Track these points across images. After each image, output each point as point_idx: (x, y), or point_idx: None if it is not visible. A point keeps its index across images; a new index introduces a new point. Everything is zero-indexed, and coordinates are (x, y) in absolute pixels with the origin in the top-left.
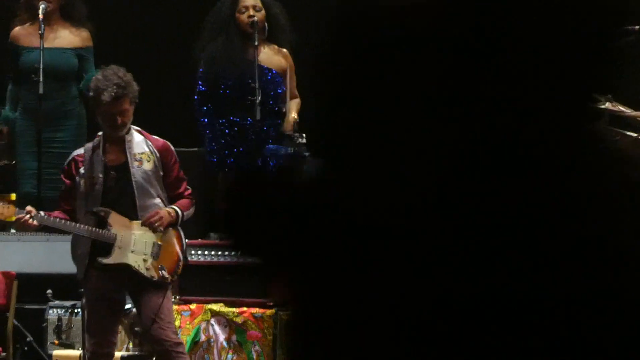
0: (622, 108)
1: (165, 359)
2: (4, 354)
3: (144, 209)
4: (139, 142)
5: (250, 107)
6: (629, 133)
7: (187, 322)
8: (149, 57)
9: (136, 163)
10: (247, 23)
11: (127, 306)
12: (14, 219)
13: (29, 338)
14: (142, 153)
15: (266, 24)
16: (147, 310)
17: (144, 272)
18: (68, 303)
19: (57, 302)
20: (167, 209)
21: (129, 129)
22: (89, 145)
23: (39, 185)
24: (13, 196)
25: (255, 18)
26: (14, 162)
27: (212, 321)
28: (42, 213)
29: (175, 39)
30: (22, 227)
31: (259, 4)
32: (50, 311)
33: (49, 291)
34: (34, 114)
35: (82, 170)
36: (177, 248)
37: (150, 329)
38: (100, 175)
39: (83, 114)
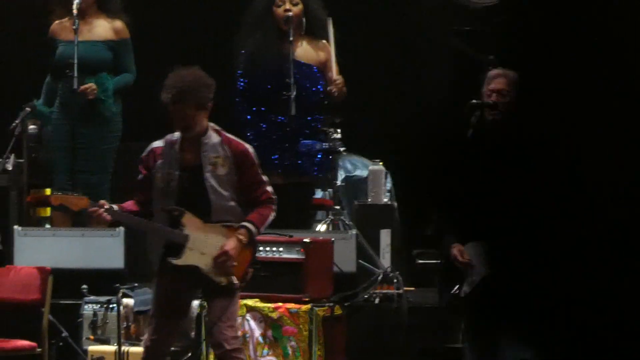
0: None
1: None
2: (40, 349)
3: (218, 211)
4: (215, 145)
5: (286, 103)
6: None
7: None
8: (185, 53)
9: (210, 167)
10: (282, 18)
11: None
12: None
13: (65, 333)
14: (217, 157)
15: (304, 18)
16: (211, 313)
17: (212, 277)
18: (103, 298)
19: (92, 298)
20: (237, 233)
21: (206, 130)
22: (168, 138)
23: (73, 181)
24: (48, 191)
25: (291, 13)
26: (41, 156)
27: (248, 316)
28: (115, 207)
29: (210, 33)
30: (93, 220)
31: None
32: (86, 307)
33: (84, 286)
34: (68, 108)
35: (158, 164)
36: (249, 254)
37: (212, 331)
38: (177, 173)
39: (118, 108)
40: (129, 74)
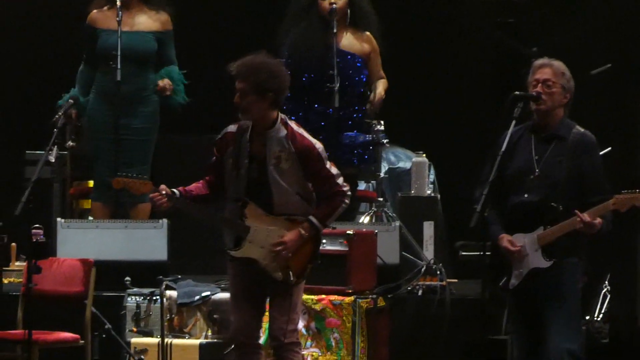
0: None
1: (278, 356)
2: (82, 341)
3: (281, 204)
4: (281, 139)
5: (329, 95)
6: None
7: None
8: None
9: (274, 161)
10: (327, 10)
11: (206, 293)
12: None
13: (107, 326)
14: (282, 151)
15: (348, 10)
16: (271, 306)
17: (270, 271)
18: (146, 290)
19: (135, 290)
20: (300, 227)
21: (274, 123)
22: (242, 124)
23: (115, 172)
24: (90, 183)
25: (335, 5)
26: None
27: None
28: (176, 192)
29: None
30: (154, 205)
31: None
32: (129, 299)
33: (127, 279)
34: (109, 98)
35: (230, 150)
36: (310, 249)
37: (270, 324)
38: (246, 161)
39: (158, 101)
40: (175, 67)
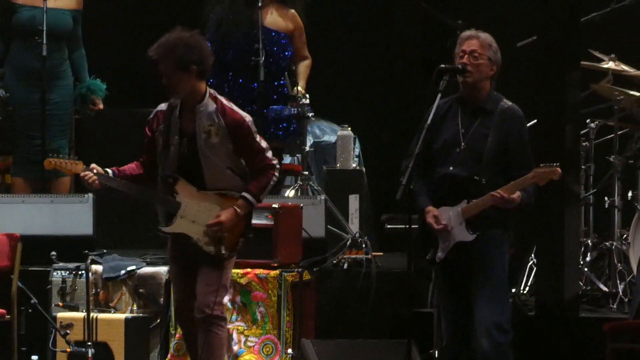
0: (625, 67)
1: (202, 328)
2: (9, 316)
3: (212, 179)
4: (210, 113)
5: (254, 69)
6: (632, 92)
7: None
8: (148, 16)
9: (204, 135)
10: None
11: (131, 268)
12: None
13: (33, 300)
14: (211, 125)
15: None
16: (198, 278)
17: (202, 246)
18: (72, 265)
19: (61, 264)
20: (235, 204)
21: (203, 97)
22: (172, 102)
23: (44, 145)
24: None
25: None
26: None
27: None
28: (109, 171)
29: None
30: (85, 184)
31: None
32: (55, 273)
33: (53, 253)
34: (28, 73)
35: (160, 127)
36: (242, 224)
37: (197, 296)
38: (176, 137)
39: (72, 76)
40: (83, 51)
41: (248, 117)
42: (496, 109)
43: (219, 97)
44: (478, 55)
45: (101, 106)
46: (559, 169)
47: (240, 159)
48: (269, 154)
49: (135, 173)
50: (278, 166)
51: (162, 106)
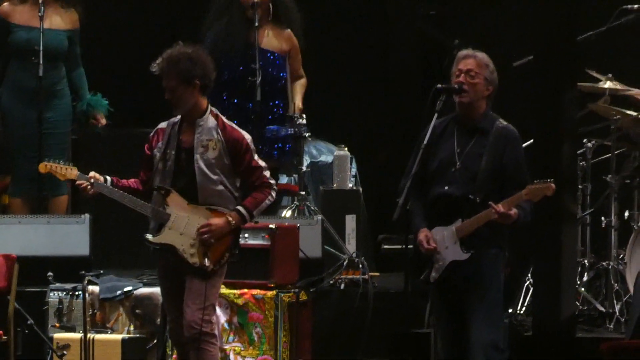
0: (622, 87)
1: (192, 347)
2: (5, 337)
3: (204, 194)
4: (210, 129)
5: (250, 89)
6: (629, 112)
7: None
8: (146, 37)
9: (201, 149)
10: (249, 3)
11: (128, 288)
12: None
13: (30, 321)
14: (210, 140)
15: (271, 5)
16: (186, 295)
17: (187, 257)
18: (69, 286)
19: (58, 285)
20: (228, 215)
21: (204, 113)
22: (171, 120)
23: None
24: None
25: (256, 0)
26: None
27: None
28: (108, 179)
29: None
30: (80, 191)
31: None
32: (51, 294)
33: (50, 274)
34: (25, 93)
35: (159, 144)
36: (229, 239)
37: (184, 314)
38: (173, 152)
39: (70, 95)
40: (81, 68)
41: (247, 136)
42: (492, 129)
43: (220, 115)
44: (474, 74)
45: (104, 121)
46: (552, 185)
47: (235, 179)
48: (267, 173)
49: (134, 187)
50: (276, 187)
51: (163, 124)
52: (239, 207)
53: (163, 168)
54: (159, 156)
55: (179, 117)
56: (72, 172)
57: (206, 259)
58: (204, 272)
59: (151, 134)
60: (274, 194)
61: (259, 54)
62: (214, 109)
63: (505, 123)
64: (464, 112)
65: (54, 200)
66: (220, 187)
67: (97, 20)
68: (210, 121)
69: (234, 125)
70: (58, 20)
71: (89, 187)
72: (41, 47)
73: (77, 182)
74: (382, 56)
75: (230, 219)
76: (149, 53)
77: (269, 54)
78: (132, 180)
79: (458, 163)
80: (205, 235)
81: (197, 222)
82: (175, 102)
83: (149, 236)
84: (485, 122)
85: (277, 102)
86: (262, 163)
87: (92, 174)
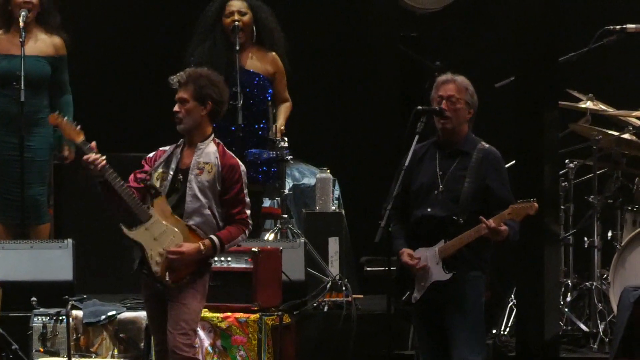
0: (603, 107)
1: None
2: None
3: (191, 214)
4: (209, 153)
5: (232, 112)
6: (610, 132)
7: None
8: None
9: (197, 171)
10: (229, 27)
11: (112, 313)
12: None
13: (14, 346)
14: (207, 163)
15: (254, 28)
16: (168, 322)
17: (152, 264)
18: (53, 310)
19: (42, 310)
20: (201, 243)
21: (207, 138)
22: (173, 145)
23: (22, 192)
24: None
25: (238, 22)
26: None
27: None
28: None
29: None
30: (88, 164)
31: (245, 8)
32: (35, 319)
33: (34, 299)
34: (7, 119)
35: (157, 162)
36: (194, 263)
37: (168, 338)
38: (171, 173)
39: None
40: (68, 94)
41: (243, 167)
42: (474, 151)
43: (222, 144)
44: (455, 100)
45: (68, 155)
46: (535, 204)
47: (220, 209)
48: (248, 211)
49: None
50: (251, 228)
51: (164, 147)
52: (214, 238)
53: (160, 186)
54: (155, 175)
55: (181, 141)
56: (78, 135)
57: (167, 274)
58: (185, 292)
59: (152, 154)
60: (247, 234)
61: (244, 76)
62: (216, 139)
63: (487, 145)
64: (447, 136)
65: (37, 228)
66: (207, 212)
67: (87, 45)
68: (211, 146)
69: (234, 155)
70: (41, 47)
71: (98, 162)
72: (22, 73)
73: (85, 157)
74: (363, 78)
75: (202, 247)
76: (138, 78)
77: (254, 76)
78: (131, 175)
79: (441, 186)
80: (174, 258)
81: (172, 235)
82: (182, 116)
83: (126, 229)
84: (467, 145)
85: (262, 124)
86: (247, 200)
87: (94, 144)
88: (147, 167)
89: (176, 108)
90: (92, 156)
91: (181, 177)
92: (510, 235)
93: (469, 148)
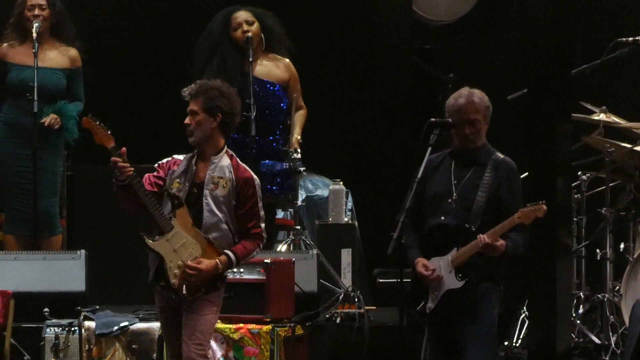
0: (616, 119)
1: None
2: None
3: (209, 229)
4: (223, 167)
5: (246, 123)
6: (623, 144)
7: None
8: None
9: (212, 185)
10: (242, 39)
11: (124, 324)
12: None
13: (27, 357)
14: (221, 178)
15: (262, 36)
16: (183, 332)
17: (170, 275)
18: (65, 321)
19: (54, 321)
20: (218, 260)
21: (220, 151)
22: (187, 155)
23: (35, 203)
24: (2, 217)
25: (250, 33)
26: None
27: None
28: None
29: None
30: (119, 170)
31: (251, 17)
32: (48, 330)
33: (46, 310)
34: (19, 130)
35: (175, 172)
36: (211, 277)
37: (182, 349)
38: (187, 185)
39: (64, 134)
40: (81, 103)
41: (257, 180)
42: (489, 162)
43: (235, 156)
44: (477, 122)
45: (46, 121)
46: (544, 206)
47: (236, 222)
48: (263, 225)
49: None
50: (265, 242)
51: (178, 156)
52: (230, 254)
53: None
54: (171, 185)
55: (194, 152)
56: (110, 140)
57: (184, 287)
58: (202, 309)
59: (164, 160)
60: (261, 247)
61: (257, 85)
62: (229, 150)
63: (502, 156)
64: (464, 148)
65: (49, 240)
66: (224, 227)
67: (97, 55)
68: (225, 160)
69: (247, 168)
70: (56, 58)
71: (130, 169)
72: (35, 84)
73: (114, 159)
74: (376, 90)
75: (219, 264)
76: (149, 89)
77: (268, 85)
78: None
79: (455, 194)
80: (193, 273)
81: (191, 248)
82: (193, 129)
83: (147, 239)
84: (482, 155)
85: (277, 134)
86: (262, 213)
87: (124, 149)
88: (161, 173)
89: (187, 120)
90: (122, 163)
91: (196, 191)
92: (509, 249)
93: (484, 158)
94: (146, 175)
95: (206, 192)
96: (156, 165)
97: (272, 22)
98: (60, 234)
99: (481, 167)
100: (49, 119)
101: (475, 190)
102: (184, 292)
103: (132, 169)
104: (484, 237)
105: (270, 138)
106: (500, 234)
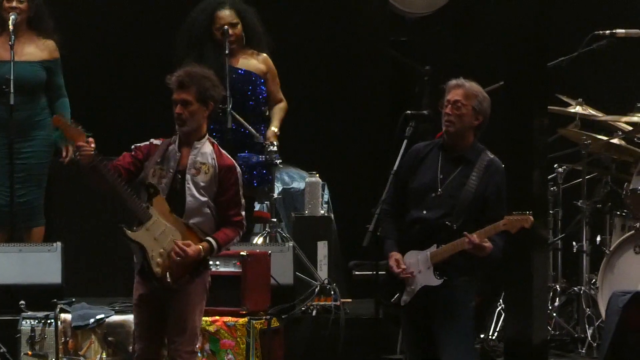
0: (592, 112)
1: None
2: None
3: (191, 213)
4: (206, 153)
5: (222, 115)
6: (600, 136)
7: None
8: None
9: (193, 170)
10: (223, 40)
11: (100, 316)
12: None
13: (2, 349)
14: (204, 164)
15: (243, 33)
16: (170, 326)
17: (152, 264)
18: (41, 314)
19: (30, 313)
20: (201, 246)
21: (202, 137)
22: (166, 140)
23: (12, 196)
24: None
25: (233, 37)
26: None
27: None
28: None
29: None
30: (80, 154)
31: (236, 19)
32: (24, 322)
33: (22, 302)
34: (4, 124)
35: (154, 157)
36: (193, 263)
37: (169, 346)
38: (171, 171)
39: (50, 126)
40: (65, 98)
41: (239, 169)
42: (477, 161)
43: (216, 143)
44: (461, 105)
45: (67, 155)
46: (531, 217)
47: (218, 206)
48: (243, 213)
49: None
50: (244, 229)
51: (157, 141)
52: (212, 240)
53: (158, 184)
54: (151, 171)
55: (174, 137)
56: (81, 137)
57: (168, 274)
58: (188, 303)
59: (142, 143)
60: (241, 234)
61: (237, 76)
62: (211, 138)
63: (492, 156)
64: (451, 141)
65: (32, 231)
66: (207, 211)
67: (81, 48)
68: (207, 146)
69: (229, 156)
70: (34, 51)
71: (90, 152)
72: (12, 76)
73: (79, 144)
74: (354, 82)
75: (202, 251)
76: (130, 81)
77: (245, 74)
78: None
79: (439, 189)
80: (178, 259)
81: (171, 235)
82: (185, 118)
83: (127, 230)
84: (471, 153)
85: (259, 126)
86: (243, 201)
87: (91, 139)
88: (140, 156)
89: (178, 110)
90: (85, 147)
91: (180, 177)
92: (493, 252)
93: (473, 156)
94: (124, 153)
95: (188, 177)
96: (133, 146)
97: (252, 17)
98: (43, 226)
99: (469, 165)
100: (69, 155)
101: (460, 188)
102: (168, 279)
103: (93, 149)
104: (474, 237)
105: (247, 132)
106: (485, 237)
